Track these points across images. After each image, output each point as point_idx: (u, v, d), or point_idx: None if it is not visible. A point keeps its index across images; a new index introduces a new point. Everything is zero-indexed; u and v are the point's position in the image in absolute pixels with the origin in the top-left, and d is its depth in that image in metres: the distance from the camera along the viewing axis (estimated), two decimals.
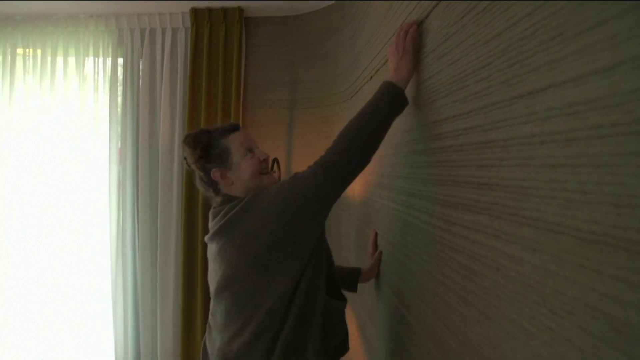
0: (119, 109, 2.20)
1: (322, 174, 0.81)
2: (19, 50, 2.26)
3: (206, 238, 0.94)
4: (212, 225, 0.92)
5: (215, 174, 0.91)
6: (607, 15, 0.30)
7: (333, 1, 1.91)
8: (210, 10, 2.01)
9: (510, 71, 0.46)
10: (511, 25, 0.45)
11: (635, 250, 0.27)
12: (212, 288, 0.91)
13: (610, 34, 0.30)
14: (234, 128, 0.96)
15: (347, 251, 1.72)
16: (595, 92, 0.32)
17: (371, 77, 1.26)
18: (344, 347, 0.96)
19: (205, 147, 0.91)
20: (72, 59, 2.26)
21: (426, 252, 0.73)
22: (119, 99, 2.20)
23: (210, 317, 0.96)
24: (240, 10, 1.99)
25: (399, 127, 0.93)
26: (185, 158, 0.97)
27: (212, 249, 0.91)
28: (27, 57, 2.26)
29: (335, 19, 1.92)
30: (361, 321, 1.38)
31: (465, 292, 0.56)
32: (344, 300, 0.96)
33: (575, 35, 0.35)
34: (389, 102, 0.81)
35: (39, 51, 2.24)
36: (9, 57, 2.26)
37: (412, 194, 0.82)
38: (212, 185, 0.94)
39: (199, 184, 0.98)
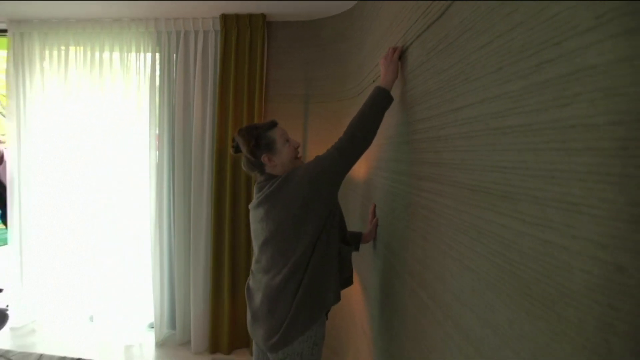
0: (157, 101, 2.51)
1: (337, 155, 1.16)
2: (72, 48, 2.59)
3: (251, 205, 1.28)
4: (258, 195, 1.26)
5: (264, 158, 1.24)
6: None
7: (345, 9, 2.17)
8: (237, 16, 2.27)
9: (450, 94, 0.76)
10: (451, 66, 0.75)
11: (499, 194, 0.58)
12: (259, 241, 1.26)
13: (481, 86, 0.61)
14: (274, 124, 1.30)
15: (352, 223, 2.03)
16: (488, 109, 0.63)
17: (373, 81, 1.55)
18: (350, 281, 1.32)
19: (256, 138, 1.23)
20: (116, 55, 2.58)
21: (405, 211, 1.04)
22: (157, 93, 2.50)
23: (254, 264, 1.31)
24: (264, 16, 2.26)
25: (392, 122, 1.23)
26: (234, 147, 1.30)
27: (258, 213, 1.25)
28: (79, 54, 2.60)
29: (346, 25, 2.18)
30: (361, 276, 1.70)
31: (425, 232, 0.88)
32: (351, 245, 1.30)
33: (477, 78, 0.65)
34: (380, 101, 1.14)
35: (88, 48, 2.57)
36: (63, 54, 2.60)
37: (398, 172, 1.13)
38: (259, 166, 1.27)
39: (246, 166, 1.30)
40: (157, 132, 2.51)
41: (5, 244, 3.01)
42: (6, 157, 2.99)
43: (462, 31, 0.72)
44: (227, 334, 2.45)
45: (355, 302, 1.82)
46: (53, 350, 2.49)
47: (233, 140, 1.32)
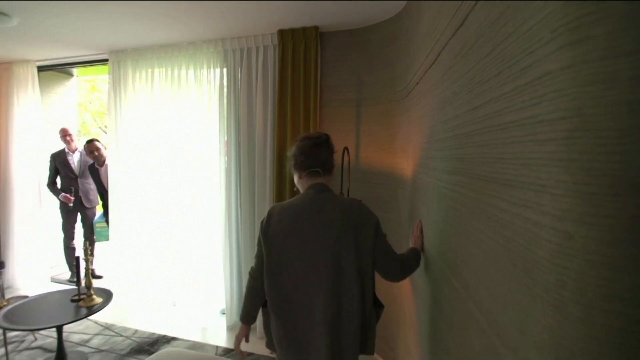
0: (225, 111, 2.83)
1: (393, 253, 1.30)
2: (157, 69, 3.03)
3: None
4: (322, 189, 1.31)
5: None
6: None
7: (392, 15, 2.26)
8: (293, 30, 2.48)
9: (469, 95, 0.85)
10: (469, 69, 0.84)
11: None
12: None
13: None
14: None
15: (403, 218, 2.11)
16: (493, 108, 0.71)
17: (417, 83, 1.63)
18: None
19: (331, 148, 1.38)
20: (191, 72, 2.95)
21: (439, 204, 1.13)
22: (225, 103, 2.82)
23: None
24: (316, 28, 2.44)
25: (430, 122, 1.31)
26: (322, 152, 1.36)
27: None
28: (161, 73, 3.03)
29: (392, 30, 2.26)
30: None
31: (454, 222, 0.96)
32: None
33: (486, 81, 0.73)
34: (417, 256, 1.40)
35: (169, 68, 2.99)
36: (150, 74, 3.05)
37: (434, 168, 1.22)
38: (330, 172, 1.37)
39: (331, 171, 1.39)
40: (226, 138, 2.82)
41: (108, 239, 3.59)
42: (107, 162, 3.57)
43: (476, 38, 0.80)
44: None
45: (405, 297, 1.89)
46: (145, 327, 2.92)
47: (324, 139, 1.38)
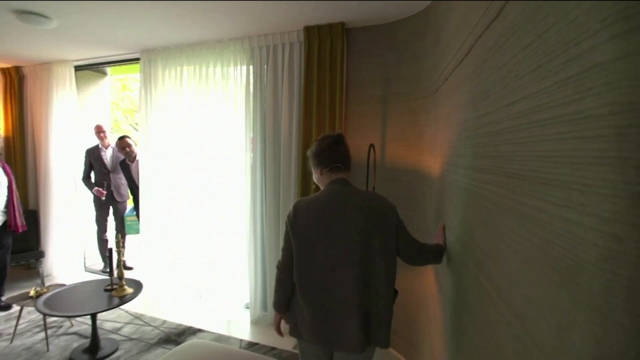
0: (251, 108, 2.86)
1: (417, 243, 1.43)
2: (185, 67, 3.10)
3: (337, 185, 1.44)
4: (344, 183, 1.43)
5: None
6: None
7: (420, 9, 2.21)
8: (319, 26, 2.47)
9: (504, 90, 0.81)
10: (504, 64, 0.81)
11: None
12: None
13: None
14: None
15: (429, 216, 2.06)
16: (530, 104, 0.68)
17: (446, 79, 1.58)
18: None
19: None
20: (218, 69, 3.00)
21: (470, 203, 1.09)
22: (251, 100, 2.85)
23: None
24: (343, 24, 2.42)
25: (460, 118, 1.27)
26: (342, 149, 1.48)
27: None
28: (190, 71, 3.10)
29: (421, 25, 2.21)
30: (435, 270, 1.74)
31: (486, 221, 0.93)
32: None
33: (523, 75, 0.70)
34: (439, 251, 1.46)
35: (197, 66, 3.05)
36: (179, 72, 3.12)
37: (464, 166, 1.18)
38: (349, 167, 1.49)
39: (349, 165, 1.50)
40: (252, 135, 2.85)
41: (138, 232, 3.72)
42: (137, 158, 3.70)
43: (512, 31, 0.77)
44: None
45: (431, 296, 1.86)
46: (172, 318, 3.01)
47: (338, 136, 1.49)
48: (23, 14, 2.34)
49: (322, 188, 1.46)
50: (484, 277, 0.95)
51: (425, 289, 2.07)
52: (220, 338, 2.71)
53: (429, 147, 2.11)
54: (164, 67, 3.16)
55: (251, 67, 2.83)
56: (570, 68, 0.52)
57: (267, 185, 2.81)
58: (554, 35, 0.57)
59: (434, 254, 1.45)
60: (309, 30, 2.50)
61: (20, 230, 3.14)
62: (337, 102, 2.48)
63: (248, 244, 2.93)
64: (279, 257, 1.46)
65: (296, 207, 1.40)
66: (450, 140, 1.47)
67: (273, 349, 2.55)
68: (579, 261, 0.48)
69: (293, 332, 1.44)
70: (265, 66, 2.76)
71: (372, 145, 2.12)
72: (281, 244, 1.46)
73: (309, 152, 1.51)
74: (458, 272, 1.26)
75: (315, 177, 1.50)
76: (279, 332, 1.59)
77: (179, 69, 3.10)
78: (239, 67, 2.90)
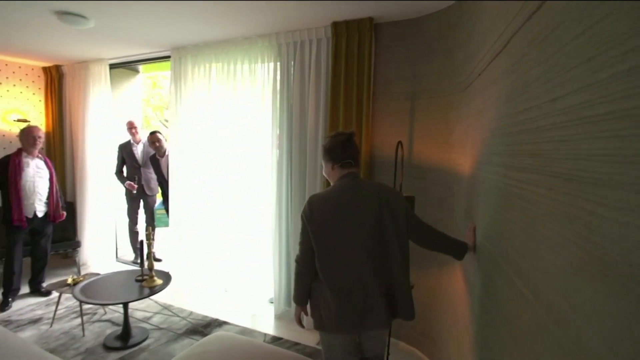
0: (278, 103, 2.87)
1: (426, 226, 1.52)
2: (214, 64, 3.15)
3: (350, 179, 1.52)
4: (355, 177, 1.52)
5: None
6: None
7: (451, 2, 2.14)
8: (347, 22, 2.44)
9: (547, 85, 0.77)
10: (549, 57, 0.76)
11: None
12: None
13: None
14: None
15: (458, 217, 2.01)
16: (580, 98, 0.64)
17: (479, 74, 1.53)
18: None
19: None
20: (246, 66, 3.03)
21: (504, 203, 1.05)
22: (278, 97, 2.86)
23: None
24: (371, 19, 2.38)
25: (495, 115, 1.22)
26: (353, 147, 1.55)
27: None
28: (218, 68, 3.15)
29: (453, 18, 2.14)
30: (464, 269, 1.69)
31: (522, 222, 0.89)
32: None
33: (572, 69, 0.66)
34: (461, 247, 1.50)
35: (225, 63, 3.09)
36: (208, 69, 3.18)
37: (499, 164, 1.13)
38: (359, 163, 1.60)
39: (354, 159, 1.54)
40: (278, 131, 2.87)
41: (167, 225, 3.84)
42: (167, 153, 3.80)
43: (559, 22, 0.73)
44: None
45: (458, 296, 1.81)
46: (198, 310, 3.09)
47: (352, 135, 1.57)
48: (64, 14, 2.44)
49: (332, 182, 1.56)
50: (518, 279, 0.91)
51: (452, 288, 2.02)
52: (245, 331, 2.75)
53: (458, 145, 2.05)
54: (194, 64, 3.23)
55: (278, 63, 2.84)
56: (630, 59, 0.48)
57: (293, 182, 2.82)
58: (612, 24, 0.53)
59: (452, 245, 1.50)
60: (336, 26, 2.48)
61: (58, 221, 3.30)
62: (364, 98, 2.45)
63: (273, 240, 2.95)
64: (298, 254, 1.54)
65: (311, 202, 1.49)
66: (483, 138, 1.42)
67: (297, 344, 2.57)
68: (638, 268, 0.45)
69: (318, 326, 1.51)
70: (292, 62, 2.76)
71: (400, 142, 2.08)
72: (300, 238, 1.53)
73: (323, 147, 1.59)
74: (488, 272, 1.22)
75: (325, 171, 1.59)
76: (301, 324, 1.68)
77: (207, 65, 3.15)
78: (266, 63, 2.91)
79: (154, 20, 2.59)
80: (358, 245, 1.42)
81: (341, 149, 1.52)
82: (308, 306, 1.60)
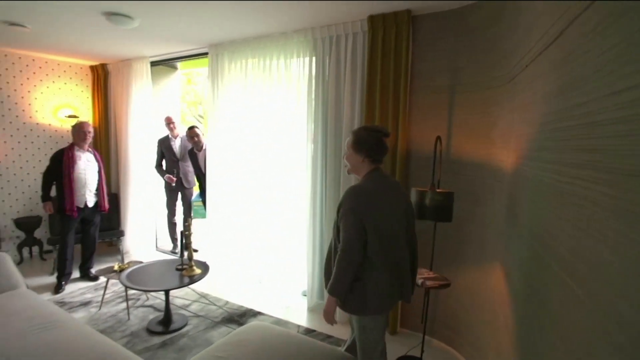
0: (313, 98, 2.88)
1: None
2: (250, 60, 3.21)
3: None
4: (381, 171, 1.68)
5: None
6: None
7: None
8: (384, 15, 2.41)
9: (609, 77, 0.74)
10: (612, 46, 0.73)
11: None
12: None
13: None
14: None
15: (499, 215, 1.95)
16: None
17: (526, 66, 1.47)
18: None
19: None
20: (282, 62, 3.07)
21: (556, 201, 1.01)
22: (313, 92, 2.88)
23: None
24: (409, 12, 2.33)
25: (544, 110, 1.18)
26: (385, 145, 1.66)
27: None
28: (254, 64, 3.21)
29: (495, 9, 2.05)
30: (505, 266, 1.65)
31: (578, 221, 0.86)
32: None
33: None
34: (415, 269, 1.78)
35: (261, 59, 3.15)
36: (244, 65, 3.25)
37: (550, 161, 1.09)
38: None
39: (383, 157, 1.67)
40: (313, 126, 2.89)
41: (203, 217, 3.98)
42: (205, 147, 3.93)
43: (625, 10, 0.69)
44: None
45: (498, 294, 1.77)
46: (234, 300, 3.19)
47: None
48: (112, 15, 2.58)
49: (355, 171, 1.68)
50: (571, 279, 0.88)
51: (491, 286, 1.98)
52: (279, 322, 2.82)
53: (500, 140, 1.98)
54: (230, 60, 3.31)
55: (314, 58, 2.85)
56: None
57: (327, 176, 2.83)
58: None
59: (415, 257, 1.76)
60: (373, 19, 2.46)
61: (106, 210, 3.52)
62: (401, 92, 2.42)
63: (307, 234, 2.99)
64: (347, 245, 1.52)
65: (358, 196, 1.56)
66: (530, 133, 1.37)
67: (329, 337, 2.60)
68: None
69: (361, 310, 1.59)
70: (328, 57, 2.77)
71: (439, 137, 2.05)
72: (350, 232, 1.52)
73: (357, 137, 1.63)
74: (535, 271, 1.19)
75: (353, 160, 1.65)
76: (334, 320, 1.69)
77: (244, 61, 3.22)
78: (301, 58, 2.94)
79: (193, 18, 2.68)
80: (396, 229, 1.61)
81: (377, 145, 1.61)
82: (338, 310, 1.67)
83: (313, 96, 2.86)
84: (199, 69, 8.48)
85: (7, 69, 3.91)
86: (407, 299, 1.71)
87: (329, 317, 1.66)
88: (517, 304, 1.41)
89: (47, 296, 3.20)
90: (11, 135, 4.01)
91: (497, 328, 1.77)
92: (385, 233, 1.55)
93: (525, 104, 1.50)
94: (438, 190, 2.08)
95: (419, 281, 2.01)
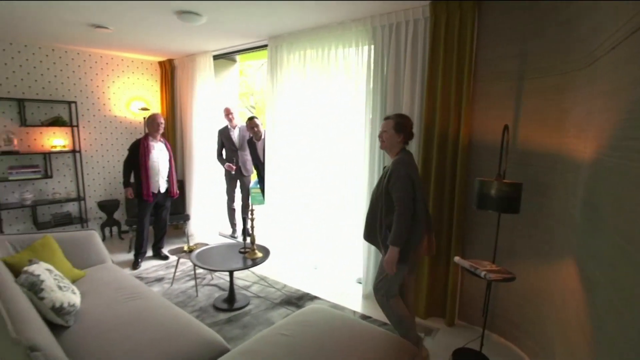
0: (372, 87, 2.86)
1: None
2: (308, 51, 3.28)
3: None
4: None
5: None
6: None
7: None
8: (447, 1, 2.34)
9: None
10: None
11: None
12: None
13: None
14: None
15: (572, 205, 1.85)
16: None
17: (613, 48, 1.37)
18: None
19: None
20: (340, 51, 3.08)
21: (637, 189, 0.96)
22: (371, 81, 2.87)
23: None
24: None
25: (635, 96, 1.10)
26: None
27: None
28: (313, 55, 3.26)
29: None
30: (581, 263, 1.57)
31: None
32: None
33: None
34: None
35: (319, 49, 3.20)
36: (302, 56, 3.32)
37: (637, 150, 1.03)
38: None
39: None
40: (371, 116, 2.90)
41: (261, 203, 4.17)
42: (263, 137, 4.10)
43: None
44: (425, 300, 2.68)
45: (569, 291, 1.69)
46: (291, 283, 3.34)
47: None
48: (183, 13, 2.76)
49: (390, 147, 2.10)
50: None
51: (561, 284, 1.89)
52: (335, 307, 2.91)
53: (575, 130, 1.86)
54: (289, 51, 3.39)
55: (372, 47, 2.84)
56: None
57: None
58: None
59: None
60: (436, 5, 2.39)
61: (176, 196, 3.83)
62: (464, 81, 2.34)
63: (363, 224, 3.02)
64: (405, 201, 1.93)
65: (407, 164, 1.99)
66: (615, 122, 1.28)
67: (385, 324, 2.64)
68: None
69: (406, 261, 2.00)
70: (388, 45, 2.74)
71: (506, 127, 1.97)
72: (406, 192, 1.94)
73: (403, 120, 2.07)
74: (620, 270, 1.13)
75: (393, 138, 2.06)
76: (395, 268, 2.00)
77: (302, 52, 3.29)
78: (360, 47, 2.94)
79: (256, 12, 2.78)
80: (423, 193, 2.07)
81: (411, 130, 2.09)
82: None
83: (371, 86, 2.86)
84: (250, 62, 8.76)
85: (91, 67, 4.35)
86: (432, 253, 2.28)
87: (391, 266, 1.99)
88: (595, 302, 1.34)
89: (127, 271, 3.57)
90: (94, 127, 4.47)
91: (565, 325, 1.70)
92: (420, 197, 2.01)
93: (608, 90, 1.40)
94: (505, 181, 2.01)
95: (482, 273, 1.98)
